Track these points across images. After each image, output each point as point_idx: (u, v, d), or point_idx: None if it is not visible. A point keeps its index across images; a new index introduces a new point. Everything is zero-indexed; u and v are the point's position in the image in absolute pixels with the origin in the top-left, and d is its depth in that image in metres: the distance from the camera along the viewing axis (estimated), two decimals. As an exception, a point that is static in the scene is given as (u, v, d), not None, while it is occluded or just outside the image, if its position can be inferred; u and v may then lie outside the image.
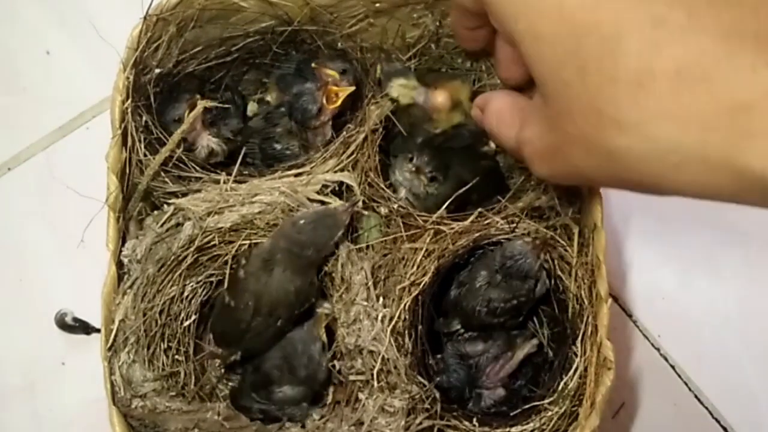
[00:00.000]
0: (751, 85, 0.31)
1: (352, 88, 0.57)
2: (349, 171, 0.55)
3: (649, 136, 0.33)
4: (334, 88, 0.57)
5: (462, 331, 0.58)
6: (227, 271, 0.54)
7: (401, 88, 0.58)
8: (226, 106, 0.59)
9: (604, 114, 0.34)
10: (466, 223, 0.54)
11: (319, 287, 0.54)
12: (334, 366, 0.52)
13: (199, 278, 0.55)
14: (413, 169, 0.57)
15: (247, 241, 0.54)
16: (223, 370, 0.58)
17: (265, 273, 0.51)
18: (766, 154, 0.31)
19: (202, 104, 0.54)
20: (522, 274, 0.54)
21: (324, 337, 0.53)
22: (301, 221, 0.51)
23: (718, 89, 0.31)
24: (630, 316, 0.70)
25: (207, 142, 0.57)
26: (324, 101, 0.57)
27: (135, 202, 0.54)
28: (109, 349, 0.50)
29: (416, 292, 0.52)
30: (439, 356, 0.56)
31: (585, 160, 0.37)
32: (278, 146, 0.60)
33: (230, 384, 0.58)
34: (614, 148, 0.35)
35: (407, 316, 0.52)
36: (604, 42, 0.34)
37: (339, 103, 0.57)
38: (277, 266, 0.51)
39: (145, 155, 0.53)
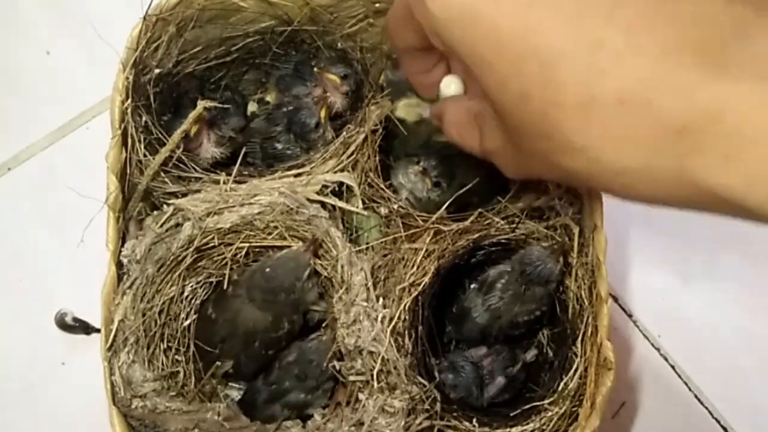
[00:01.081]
0: (690, 106, 0.31)
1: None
2: (349, 171, 0.55)
3: (597, 160, 0.34)
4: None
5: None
6: (226, 272, 0.54)
7: (406, 108, 0.58)
8: (226, 106, 0.59)
9: (551, 138, 0.35)
10: (467, 223, 0.54)
11: (303, 324, 0.55)
12: (334, 366, 0.52)
13: (199, 279, 0.55)
14: (420, 170, 0.57)
15: (246, 244, 0.54)
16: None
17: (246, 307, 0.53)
18: (713, 170, 0.31)
19: (202, 104, 0.54)
20: (543, 279, 0.53)
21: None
22: (267, 269, 0.52)
23: (660, 113, 0.31)
24: (630, 316, 0.70)
25: (211, 153, 0.58)
26: (322, 115, 0.57)
27: (135, 202, 0.54)
28: (109, 349, 0.50)
29: (416, 292, 0.52)
30: (444, 357, 0.56)
31: (546, 173, 0.39)
32: (279, 146, 0.60)
33: (232, 392, 0.58)
34: (567, 168, 0.35)
35: (407, 317, 0.52)
36: (544, 68, 0.33)
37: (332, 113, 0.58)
38: (259, 308, 0.53)
39: (144, 155, 0.53)
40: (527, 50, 0.34)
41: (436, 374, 0.53)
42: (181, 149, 0.54)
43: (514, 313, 0.55)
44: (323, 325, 0.56)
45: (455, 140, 0.46)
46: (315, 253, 0.53)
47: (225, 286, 0.55)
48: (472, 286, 0.58)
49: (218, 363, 0.55)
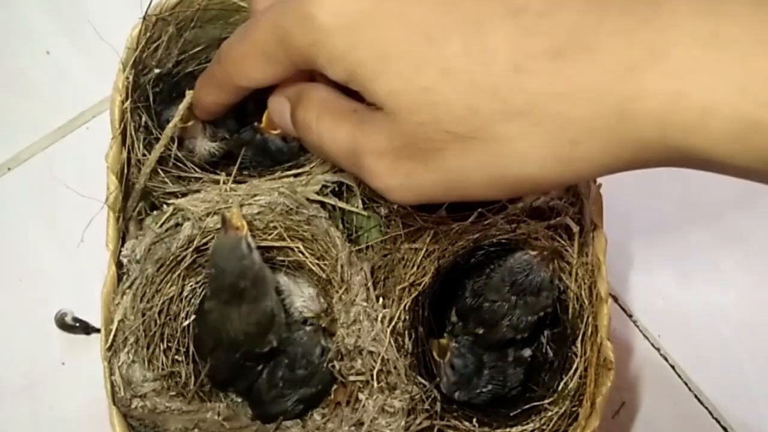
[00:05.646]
0: (631, 46, 0.29)
1: None
2: (348, 171, 0.55)
3: (539, 117, 0.31)
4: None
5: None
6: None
7: None
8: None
9: (482, 109, 0.32)
10: (467, 223, 0.54)
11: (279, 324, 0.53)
12: (334, 366, 0.52)
13: (198, 278, 0.55)
14: None
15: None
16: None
17: (225, 308, 0.51)
18: (660, 109, 0.29)
19: (190, 94, 0.53)
20: (535, 288, 0.52)
21: (323, 342, 0.53)
22: (212, 271, 0.51)
23: (601, 57, 0.30)
24: (630, 316, 0.70)
25: (207, 148, 0.57)
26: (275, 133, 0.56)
27: (133, 201, 0.54)
28: (109, 349, 0.50)
29: (416, 292, 0.52)
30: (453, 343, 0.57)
31: (461, 158, 0.33)
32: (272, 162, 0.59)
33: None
34: (500, 136, 0.32)
35: (407, 317, 0.52)
36: (467, 39, 0.32)
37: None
38: (233, 306, 0.51)
39: (144, 155, 0.53)
40: (445, 26, 0.32)
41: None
42: (176, 144, 0.54)
43: (514, 316, 0.54)
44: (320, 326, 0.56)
45: (310, 123, 0.39)
46: (236, 228, 0.50)
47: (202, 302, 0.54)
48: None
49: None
